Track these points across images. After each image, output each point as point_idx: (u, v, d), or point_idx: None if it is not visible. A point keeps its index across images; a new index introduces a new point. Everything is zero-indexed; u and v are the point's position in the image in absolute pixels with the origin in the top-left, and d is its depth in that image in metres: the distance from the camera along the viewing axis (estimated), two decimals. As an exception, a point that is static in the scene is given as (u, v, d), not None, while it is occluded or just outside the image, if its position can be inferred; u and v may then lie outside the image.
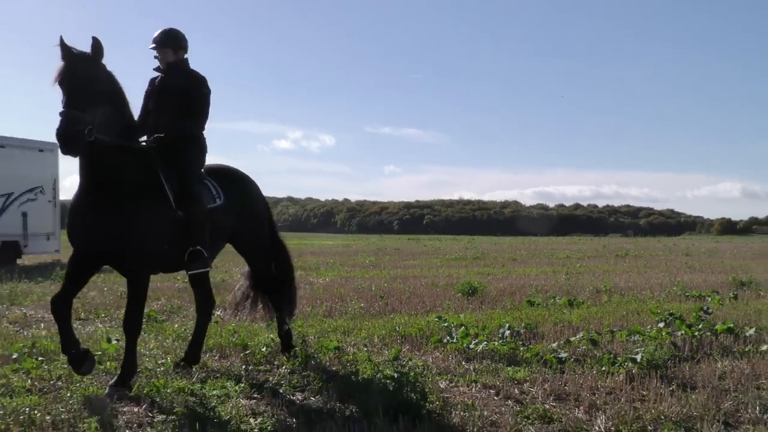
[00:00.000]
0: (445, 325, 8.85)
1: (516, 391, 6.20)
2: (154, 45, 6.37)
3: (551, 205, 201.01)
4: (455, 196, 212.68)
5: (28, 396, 5.56)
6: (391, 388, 5.52)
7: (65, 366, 6.57)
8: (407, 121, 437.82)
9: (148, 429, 4.99)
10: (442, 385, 6.29)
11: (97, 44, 5.39)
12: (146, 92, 6.45)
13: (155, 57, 6.40)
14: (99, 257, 5.87)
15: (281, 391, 6.04)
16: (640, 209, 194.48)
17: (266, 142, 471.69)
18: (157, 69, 6.46)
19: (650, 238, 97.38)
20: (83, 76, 5.24)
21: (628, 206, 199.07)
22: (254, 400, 5.78)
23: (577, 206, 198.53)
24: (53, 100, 5.25)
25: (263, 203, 7.42)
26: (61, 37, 5.26)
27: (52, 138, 5.61)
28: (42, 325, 9.29)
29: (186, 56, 6.54)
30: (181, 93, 6.31)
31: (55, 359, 6.90)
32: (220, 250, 6.96)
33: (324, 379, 6.34)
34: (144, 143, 6.13)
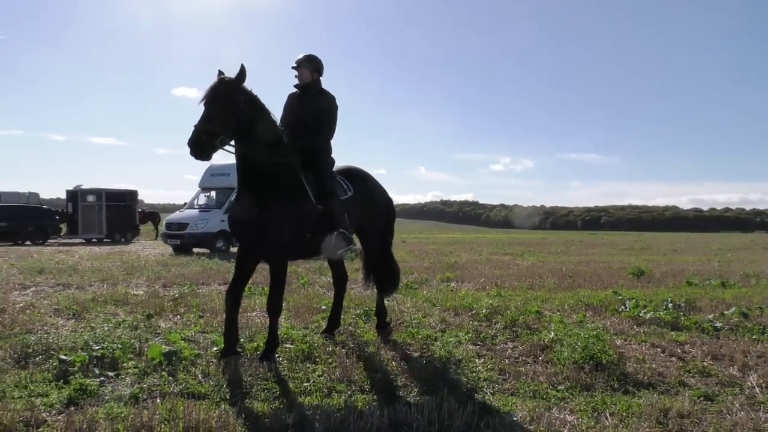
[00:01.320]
0: (619, 297, 8.24)
1: (678, 350, 5.60)
2: (295, 65, 5.47)
3: (705, 209, 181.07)
4: (625, 203, 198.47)
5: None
6: (578, 343, 5.22)
7: (354, 316, 6.91)
8: (588, 148, 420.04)
9: (407, 362, 5.07)
10: (618, 342, 5.83)
11: (241, 71, 4.66)
12: (285, 105, 5.59)
13: (295, 76, 5.50)
14: (253, 247, 5.13)
15: (497, 341, 5.93)
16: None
17: (485, 166, 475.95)
18: (296, 86, 5.56)
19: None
20: (221, 96, 4.55)
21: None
22: (478, 346, 5.71)
23: (727, 209, 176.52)
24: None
25: (382, 195, 6.26)
26: (219, 70, 4.69)
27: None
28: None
29: (320, 78, 5.54)
30: (314, 108, 5.42)
31: (345, 311, 7.23)
32: (358, 234, 6.01)
33: (528, 333, 6.13)
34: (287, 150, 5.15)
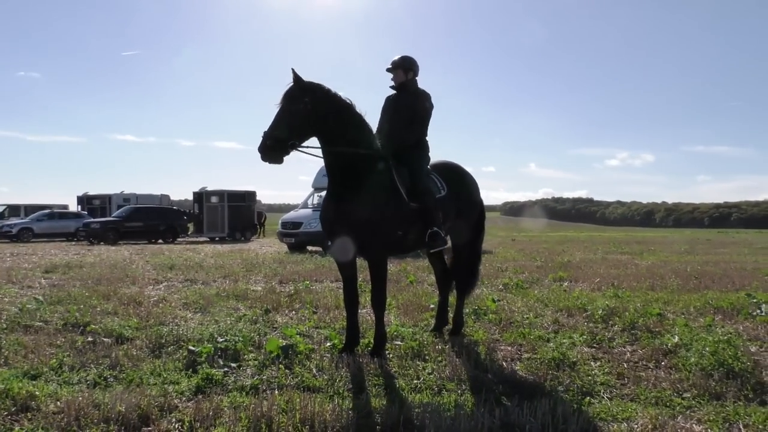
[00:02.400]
0: (754, 301, 7.56)
1: (826, 360, 5.05)
2: (390, 66, 5.49)
3: None
4: (761, 198, 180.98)
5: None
6: (707, 348, 4.85)
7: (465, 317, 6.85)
8: (717, 140, 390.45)
9: (518, 363, 4.98)
10: (752, 349, 5.35)
11: (294, 73, 4.66)
12: (383, 107, 5.61)
13: (391, 78, 5.52)
14: (344, 245, 5.10)
15: (614, 344, 5.65)
16: None
17: (600, 161, 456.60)
18: (392, 87, 5.57)
19: None
20: (285, 101, 4.64)
21: None
22: (594, 349, 5.47)
23: None
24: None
25: (477, 193, 6.09)
26: (292, 69, 4.65)
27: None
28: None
29: (416, 78, 5.53)
30: (408, 107, 5.41)
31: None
32: (448, 233, 5.75)
33: (649, 336, 5.79)
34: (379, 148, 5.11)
